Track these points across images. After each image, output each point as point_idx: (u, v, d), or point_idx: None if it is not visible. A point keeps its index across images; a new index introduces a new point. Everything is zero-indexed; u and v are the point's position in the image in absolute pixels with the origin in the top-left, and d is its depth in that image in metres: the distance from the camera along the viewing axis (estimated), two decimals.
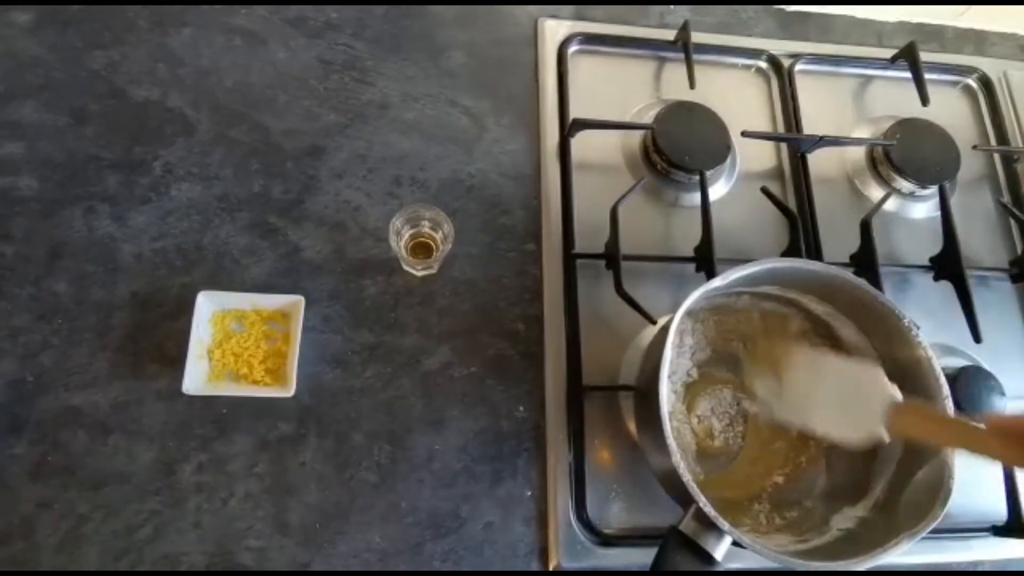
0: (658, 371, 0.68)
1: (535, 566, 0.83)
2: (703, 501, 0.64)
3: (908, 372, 0.76)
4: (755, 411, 0.86)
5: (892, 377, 0.75)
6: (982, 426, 0.61)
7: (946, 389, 0.73)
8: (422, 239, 0.92)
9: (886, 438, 0.67)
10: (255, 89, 0.99)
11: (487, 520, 0.83)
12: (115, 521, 0.78)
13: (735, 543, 0.65)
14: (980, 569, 0.90)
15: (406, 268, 0.91)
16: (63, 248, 0.87)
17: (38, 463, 0.79)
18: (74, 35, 0.97)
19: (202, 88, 0.98)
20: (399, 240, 0.88)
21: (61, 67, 0.96)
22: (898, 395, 0.69)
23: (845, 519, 0.77)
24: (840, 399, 0.72)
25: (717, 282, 0.73)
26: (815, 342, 0.86)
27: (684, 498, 0.66)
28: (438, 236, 0.90)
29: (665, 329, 0.71)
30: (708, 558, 0.64)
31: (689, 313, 0.77)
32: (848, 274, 0.77)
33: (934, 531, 0.87)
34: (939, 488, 0.69)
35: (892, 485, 0.76)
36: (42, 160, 0.91)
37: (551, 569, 0.82)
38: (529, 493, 0.85)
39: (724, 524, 0.63)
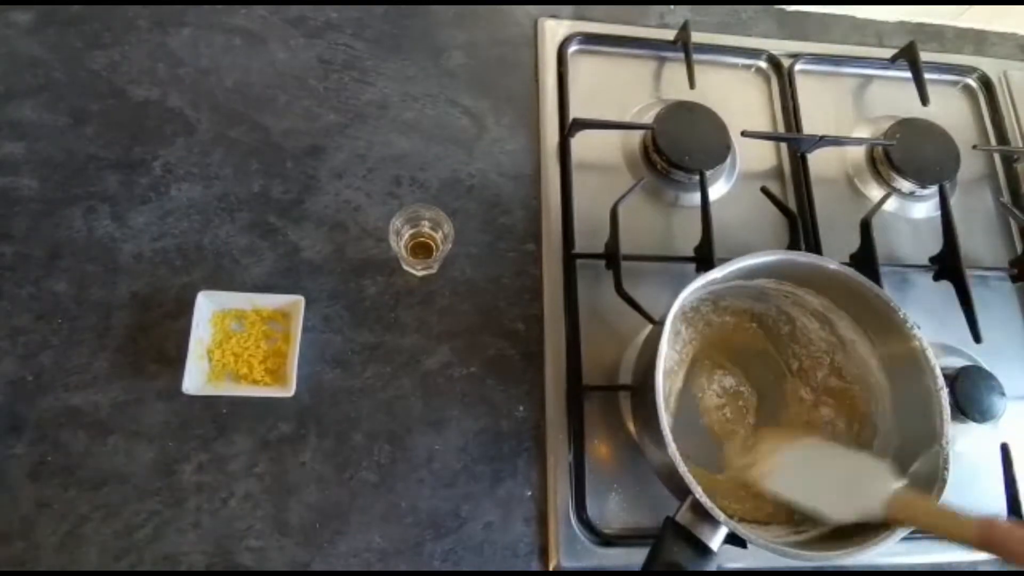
0: (654, 363, 0.68)
1: (535, 566, 0.83)
2: (699, 492, 0.64)
3: (904, 365, 0.76)
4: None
5: (889, 370, 0.77)
6: (971, 520, 0.62)
7: (941, 380, 0.73)
8: (422, 239, 0.92)
9: (879, 518, 0.68)
10: (255, 89, 0.99)
11: (487, 520, 0.83)
12: (115, 521, 0.77)
13: (731, 534, 0.65)
14: (980, 569, 0.90)
15: (406, 268, 0.91)
16: (63, 248, 0.87)
17: (38, 463, 0.79)
18: (74, 35, 0.97)
19: (202, 88, 0.98)
20: (399, 240, 0.88)
21: (61, 67, 0.96)
22: (898, 483, 0.69)
23: None
24: (839, 482, 0.73)
25: (714, 274, 0.73)
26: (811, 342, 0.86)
27: (681, 490, 0.66)
28: (438, 236, 0.90)
29: (662, 323, 0.71)
30: (704, 548, 0.64)
31: (686, 307, 0.77)
32: (842, 266, 0.76)
33: None
34: (935, 479, 0.69)
35: None
36: (42, 160, 0.91)
37: (551, 569, 0.82)
38: (529, 493, 0.85)
39: (720, 515, 0.63)
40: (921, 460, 0.72)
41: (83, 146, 0.92)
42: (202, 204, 0.92)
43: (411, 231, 0.90)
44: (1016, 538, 0.57)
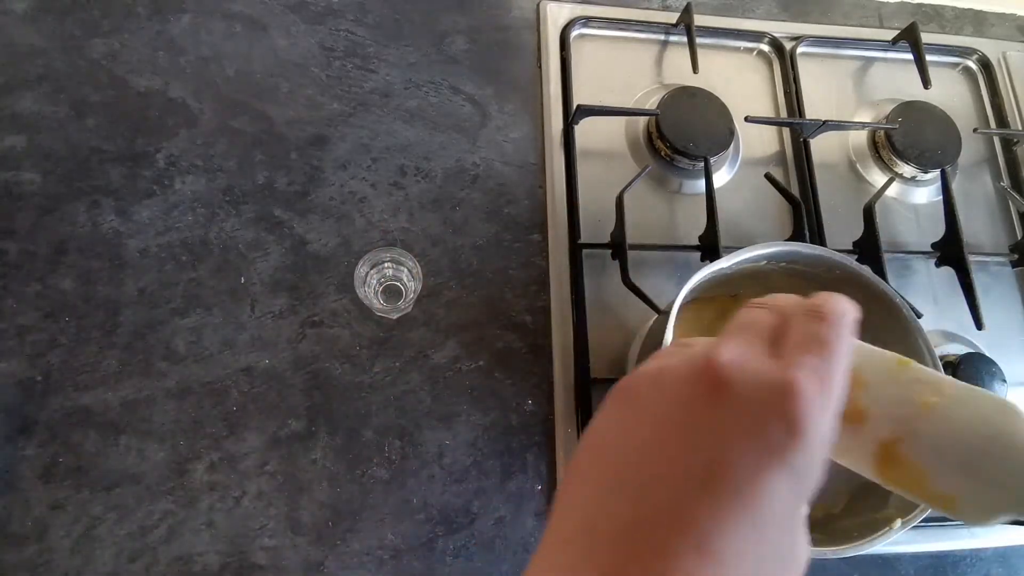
0: None
1: None
2: None
3: (904, 352, 0.74)
4: None
5: None
6: None
7: (939, 365, 0.72)
8: (390, 283, 0.87)
9: None
10: (257, 77, 0.94)
11: (498, 515, 0.81)
12: (129, 522, 0.75)
13: None
14: (983, 556, 0.89)
15: (380, 315, 0.85)
16: (68, 244, 0.83)
17: (49, 464, 0.76)
18: (72, 23, 0.92)
19: (203, 77, 0.93)
20: (365, 288, 0.82)
21: (60, 56, 0.91)
22: None
23: (839, 504, 0.75)
24: None
25: (722, 263, 0.70)
26: None
27: None
28: (403, 276, 0.86)
29: (666, 313, 0.69)
30: None
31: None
32: (844, 256, 0.74)
33: (938, 518, 0.88)
34: None
35: None
36: (44, 153, 0.86)
37: None
38: (539, 487, 0.82)
39: None
40: None
41: (85, 138, 0.88)
42: (207, 197, 0.88)
43: (377, 276, 0.85)
44: None
